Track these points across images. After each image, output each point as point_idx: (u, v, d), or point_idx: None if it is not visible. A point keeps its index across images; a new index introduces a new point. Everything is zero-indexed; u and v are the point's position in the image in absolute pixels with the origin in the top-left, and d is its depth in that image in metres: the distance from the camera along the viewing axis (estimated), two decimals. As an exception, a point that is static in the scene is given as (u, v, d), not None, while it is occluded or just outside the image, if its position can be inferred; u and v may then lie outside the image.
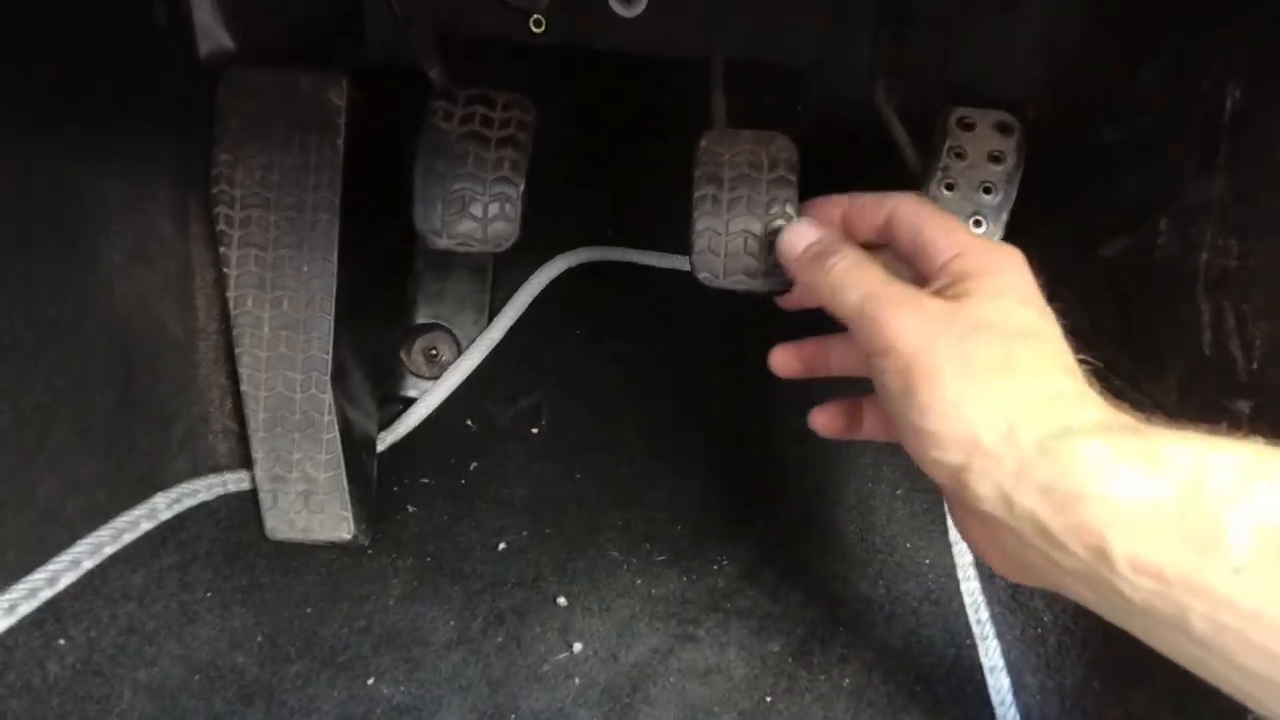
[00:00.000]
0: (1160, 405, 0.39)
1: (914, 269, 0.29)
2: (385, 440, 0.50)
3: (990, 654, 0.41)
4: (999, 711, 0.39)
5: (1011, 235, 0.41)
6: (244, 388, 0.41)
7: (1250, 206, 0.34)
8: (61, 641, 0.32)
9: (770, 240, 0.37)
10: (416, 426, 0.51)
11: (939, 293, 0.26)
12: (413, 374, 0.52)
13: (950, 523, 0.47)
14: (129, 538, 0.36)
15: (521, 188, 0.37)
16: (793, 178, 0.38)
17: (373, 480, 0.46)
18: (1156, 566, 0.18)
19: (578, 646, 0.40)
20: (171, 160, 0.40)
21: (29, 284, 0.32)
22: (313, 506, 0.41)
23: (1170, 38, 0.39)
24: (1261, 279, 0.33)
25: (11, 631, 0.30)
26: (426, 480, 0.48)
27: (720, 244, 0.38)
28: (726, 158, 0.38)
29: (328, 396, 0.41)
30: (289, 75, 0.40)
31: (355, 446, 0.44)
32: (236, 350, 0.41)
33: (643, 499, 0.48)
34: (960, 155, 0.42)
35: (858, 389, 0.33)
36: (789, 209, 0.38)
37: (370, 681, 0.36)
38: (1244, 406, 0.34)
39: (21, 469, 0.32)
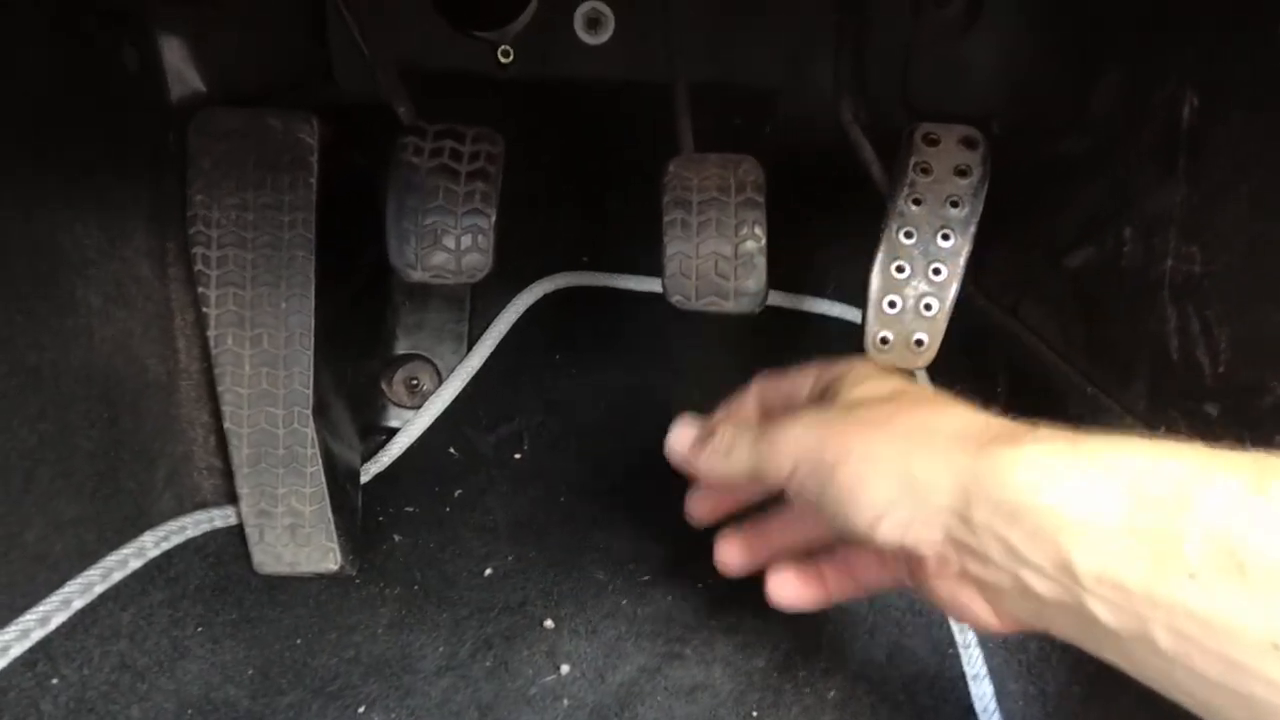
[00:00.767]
0: (1130, 411, 0.41)
1: None
2: (369, 471, 0.52)
3: (973, 662, 0.43)
4: (982, 719, 0.40)
5: (980, 249, 0.43)
6: (227, 425, 0.43)
7: (1210, 214, 0.36)
8: (54, 680, 0.34)
9: (740, 262, 0.40)
10: (400, 456, 0.53)
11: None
12: (394, 404, 0.55)
13: None
14: (118, 576, 0.38)
15: (493, 218, 0.39)
16: (760, 199, 0.40)
17: (358, 511, 0.48)
18: (1111, 575, 0.19)
19: (565, 668, 0.42)
20: (146, 204, 0.42)
21: (10, 331, 0.35)
22: (299, 539, 0.43)
23: (1121, 54, 0.42)
24: (1224, 284, 0.35)
25: (4, 673, 0.32)
26: (411, 509, 0.50)
27: (691, 267, 0.40)
28: (695, 182, 0.41)
29: (310, 430, 0.43)
30: (259, 115, 0.42)
31: (339, 478, 0.46)
32: (218, 388, 0.43)
33: (626, 521, 0.50)
34: (926, 170, 0.44)
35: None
36: (757, 230, 0.40)
37: (361, 710, 0.38)
38: (1212, 409, 0.36)
39: (9, 513, 0.34)
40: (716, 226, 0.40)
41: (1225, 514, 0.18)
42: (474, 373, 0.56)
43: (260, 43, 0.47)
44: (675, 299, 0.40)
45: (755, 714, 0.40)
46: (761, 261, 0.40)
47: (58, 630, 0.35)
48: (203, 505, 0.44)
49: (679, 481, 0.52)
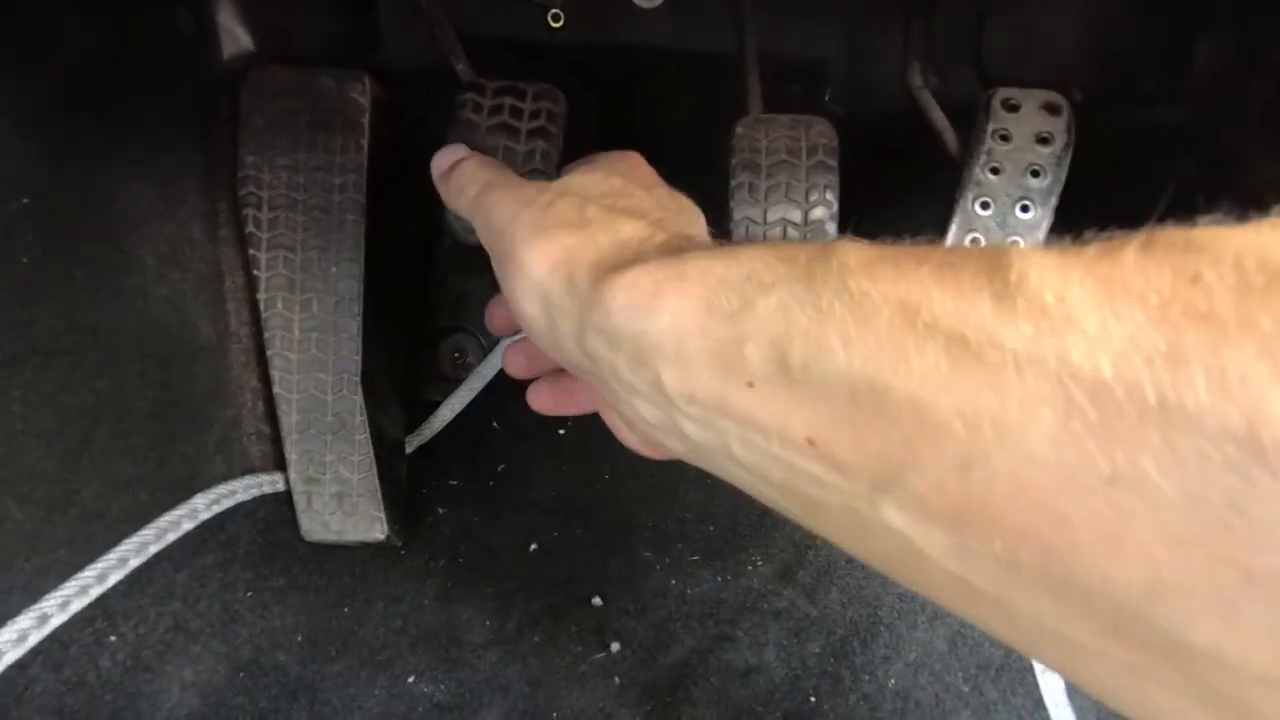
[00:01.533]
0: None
1: None
2: (412, 443, 0.52)
3: (1040, 655, 0.42)
4: (1053, 713, 0.39)
5: (1057, 224, 0.41)
6: (276, 390, 0.43)
7: None
8: (112, 638, 0.34)
9: (810, 229, 0.38)
10: (443, 429, 0.52)
11: None
12: (439, 377, 0.54)
13: None
14: (171, 537, 0.38)
15: (554, 180, 0.38)
16: (833, 163, 0.39)
17: (403, 482, 0.48)
18: (690, 390, 0.18)
19: (615, 646, 0.41)
20: (199, 164, 0.42)
21: (69, 287, 0.35)
22: (346, 508, 0.43)
23: (1230, 11, 0.39)
24: None
25: (65, 627, 0.33)
26: (455, 482, 0.50)
27: (759, 233, 0.39)
28: (764, 144, 0.39)
29: (359, 398, 0.43)
30: (312, 75, 0.42)
31: (386, 449, 0.46)
32: (268, 353, 0.43)
33: (673, 499, 0.49)
34: (1005, 138, 0.42)
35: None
36: (829, 195, 0.39)
37: (411, 680, 0.38)
38: None
39: (68, 471, 0.34)
40: (786, 191, 0.38)
41: (777, 316, 0.17)
42: None
43: (312, 5, 0.47)
44: None
45: (813, 700, 0.39)
46: (833, 228, 0.39)
47: (114, 589, 0.35)
48: (251, 470, 0.44)
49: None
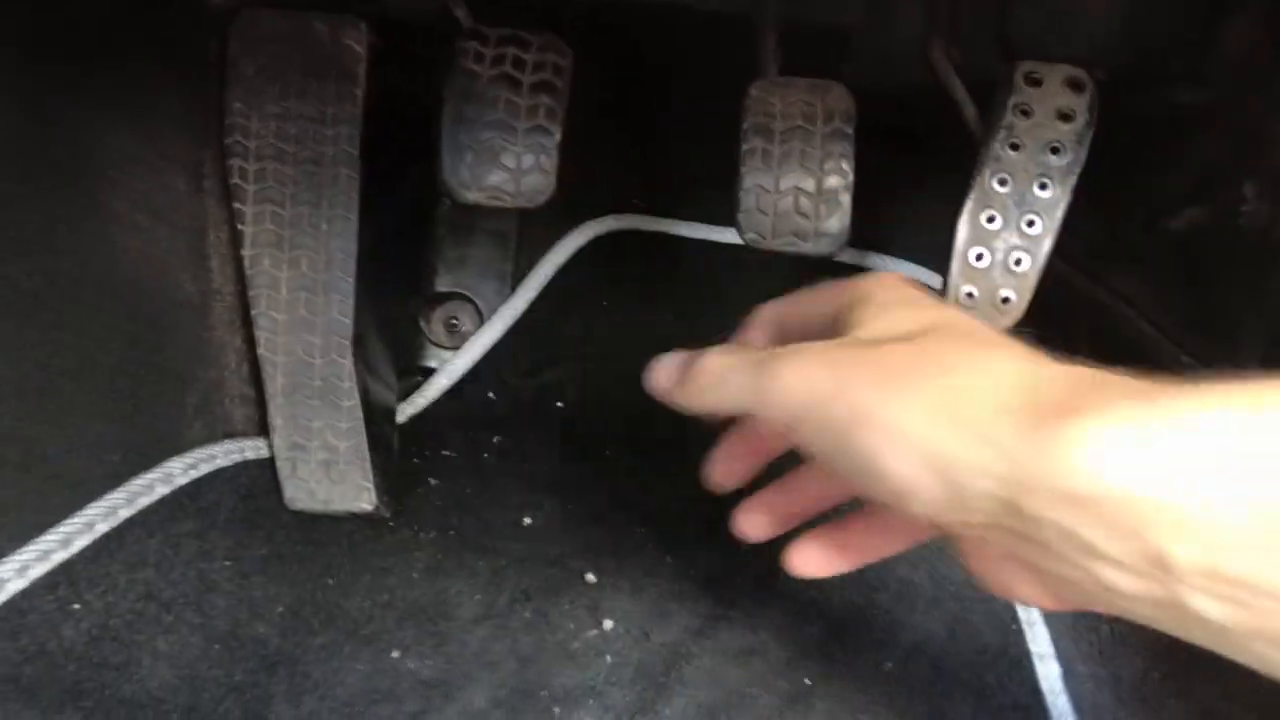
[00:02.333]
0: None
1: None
2: (405, 412, 0.49)
3: (1039, 641, 0.40)
4: (1049, 700, 0.38)
5: (1074, 207, 0.39)
6: (261, 352, 0.40)
7: None
8: (76, 606, 0.32)
9: (824, 199, 0.36)
10: (437, 398, 0.50)
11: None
12: (433, 344, 0.52)
13: None
14: (144, 501, 0.35)
15: (557, 137, 0.36)
16: (850, 130, 0.37)
17: (394, 451, 0.46)
18: (1214, 565, 0.15)
19: (608, 624, 0.39)
20: (183, 111, 0.39)
21: (25, 232, 0.31)
22: (334, 476, 0.41)
23: (1260, -14, 0.37)
24: None
25: (25, 594, 0.30)
26: (448, 454, 0.48)
27: (770, 202, 0.36)
28: (779, 108, 0.37)
29: (348, 362, 0.40)
30: (305, 20, 0.39)
31: (376, 416, 0.43)
32: (253, 313, 0.40)
33: (672, 476, 0.47)
34: (1026, 113, 0.40)
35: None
36: (844, 165, 0.37)
37: (395, 655, 0.36)
38: None
39: (23, 424, 0.31)
40: (800, 159, 0.36)
41: None
42: (518, 315, 0.52)
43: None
44: (749, 237, 0.37)
45: (809, 681, 0.38)
46: (847, 200, 0.36)
47: (81, 554, 0.32)
48: (234, 435, 0.42)
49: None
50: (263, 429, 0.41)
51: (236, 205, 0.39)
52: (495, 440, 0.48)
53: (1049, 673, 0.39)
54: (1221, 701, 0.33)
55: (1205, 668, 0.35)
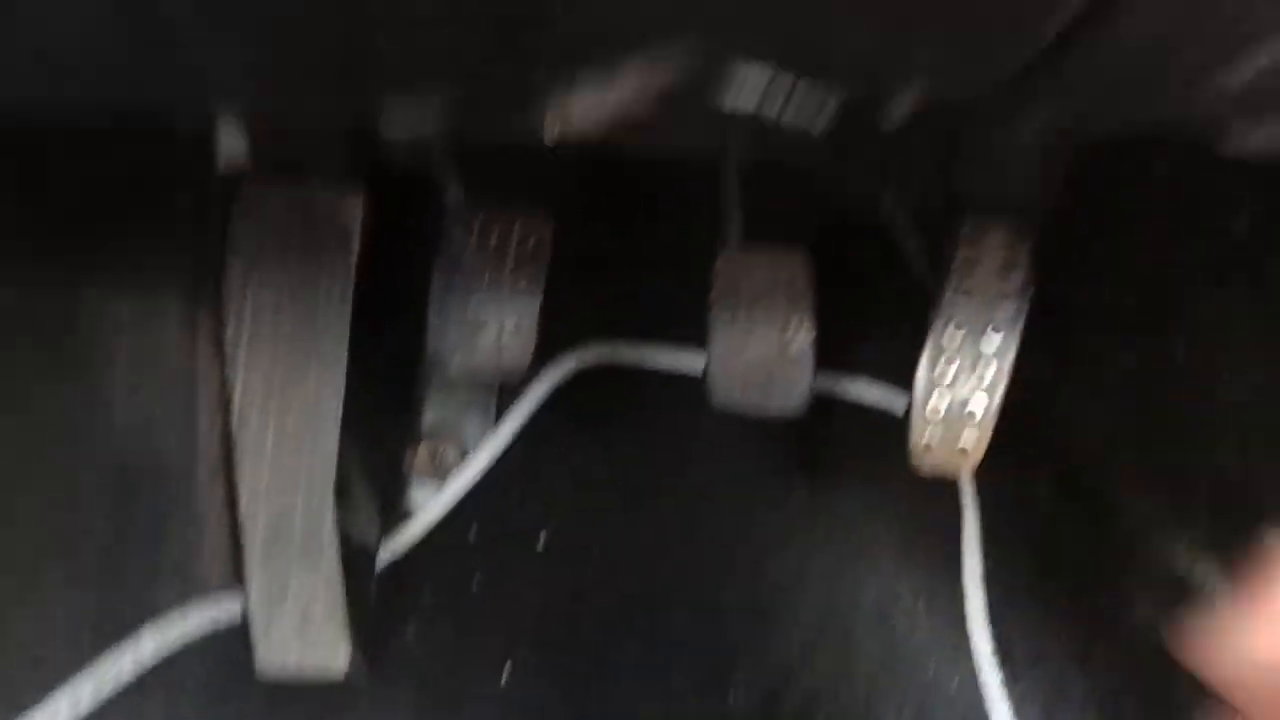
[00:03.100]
0: (1190, 529, 0.40)
1: None
2: (385, 554, 0.50)
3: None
4: None
5: (1024, 340, 0.42)
6: (242, 505, 0.41)
7: (1270, 337, 0.35)
8: None
9: (788, 362, 0.39)
10: (419, 538, 0.50)
11: None
12: (415, 483, 0.53)
13: (976, 641, 0.46)
14: (113, 683, 0.35)
15: (537, 309, 0.39)
16: (810, 297, 0.40)
17: (371, 603, 0.46)
18: None
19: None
20: (184, 272, 0.42)
21: (28, 416, 0.33)
22: (308, 636, 0.41)
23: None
24: None
25: None
26: (428, 596, 0.48)
27: (736, 365, 0.39)
28: (743, 277, 0.40)
29: (329, 515, 0.41)
30: (304, 189, 0.42)
31: (355, 566, 0.43)
32: (237, 467, 0.41)
33: (655, 616, 0.48)
34: (974, 264, 0.44)
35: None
36: (805, 327, 0.40)
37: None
38: None
39: (6, 613, 0.31)
40: (764, 325, 0.39)
41: None
42: (499, 452, 0.54)
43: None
44: (719, 399, 0.39)
45: None
46: (809, 362, 0.39)
47: None
48: (208, 591, 0.42)
49: (711, 575, 0.50)
50: (238, 584, 0.42)
51: (228, 363, 0.41)
52: (475, 581, 0.49)
53: None
54: None
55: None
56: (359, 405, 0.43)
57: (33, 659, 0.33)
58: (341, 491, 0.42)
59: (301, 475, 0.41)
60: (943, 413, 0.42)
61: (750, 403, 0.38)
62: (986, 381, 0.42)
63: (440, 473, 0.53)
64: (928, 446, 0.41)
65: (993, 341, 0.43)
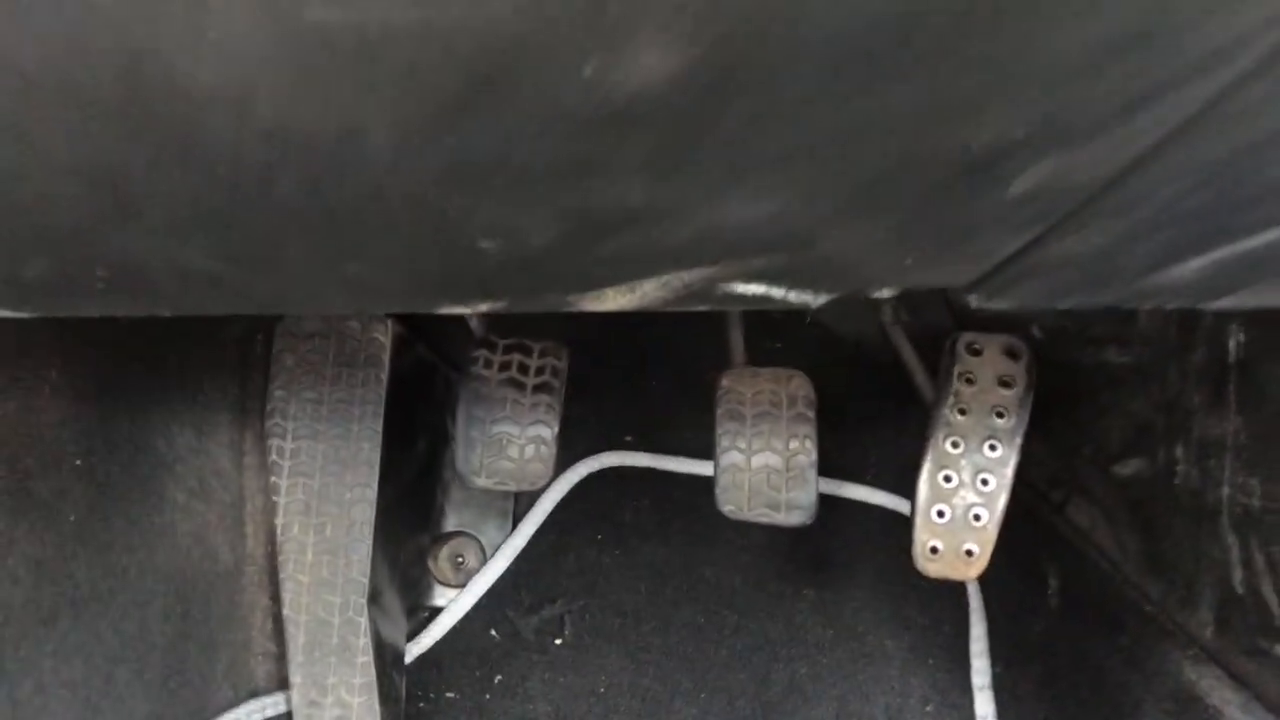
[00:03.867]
0: (1196, 640, 0.41)
1: None
2: (412, 652, 0.53)
3: None
4: None
5: (1025, 440, 0.44)
6: (286, 611, 0.45)
7: (1267, 448, 0.37)
8: None
9: (791, 476, 0.42)
10: (442, 637, 0.54)
11: None
12: (439, 582, 0.56)
13: None
14: None
15: (555, 430, 0.43)
16: (811, 414, 0.43)
17: (402, 700, 0.50)
18: None
19: None
20: (232, 399, 0.47)
21: (109, 535, 0.38)
22: (345, 736, 0.44)
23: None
24: None
25: None
26: (452, 694, 0.51)
27: (744, 479, 0.42)
28: (748, 396, 0.44)
29: (364, 620, 0.45)
30: (339, 318, 0.47)
31: (387, 666, 0.47)
32: (281, 575, 0.46)
33: (668, 714, 0.50)
34: (970, 380, 0.46)
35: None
36: (808, 444, 0.43)
37: None
38: None
39: (85, 717, 0.36)
40: (769, 440, 0.42)
41: None
42: (518, 551, 0.58)
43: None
44: (728, 509, 0.42)
45: None
46: (813, 475, 0.42)
47: None
48: (257, 693, 0.46)
49: (725, 676, 0.52)
50: (282, 683, 0.46)
51: (273, 479, 0.46)
52: (497, 680, 0.52)
53: None
54: None
55: None
56: (389, 513, 0.48)
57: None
58: (374, 598, 0.46)
59: (339, 582, 0.46)
60: (945, 523, 0.44)
61: (756, 512, 0.41)
62: (988, 492, 0.45)
63: (462, 574, 0.56)
64: (932, 555, 0.43)
65: (992, 454, 0.45)
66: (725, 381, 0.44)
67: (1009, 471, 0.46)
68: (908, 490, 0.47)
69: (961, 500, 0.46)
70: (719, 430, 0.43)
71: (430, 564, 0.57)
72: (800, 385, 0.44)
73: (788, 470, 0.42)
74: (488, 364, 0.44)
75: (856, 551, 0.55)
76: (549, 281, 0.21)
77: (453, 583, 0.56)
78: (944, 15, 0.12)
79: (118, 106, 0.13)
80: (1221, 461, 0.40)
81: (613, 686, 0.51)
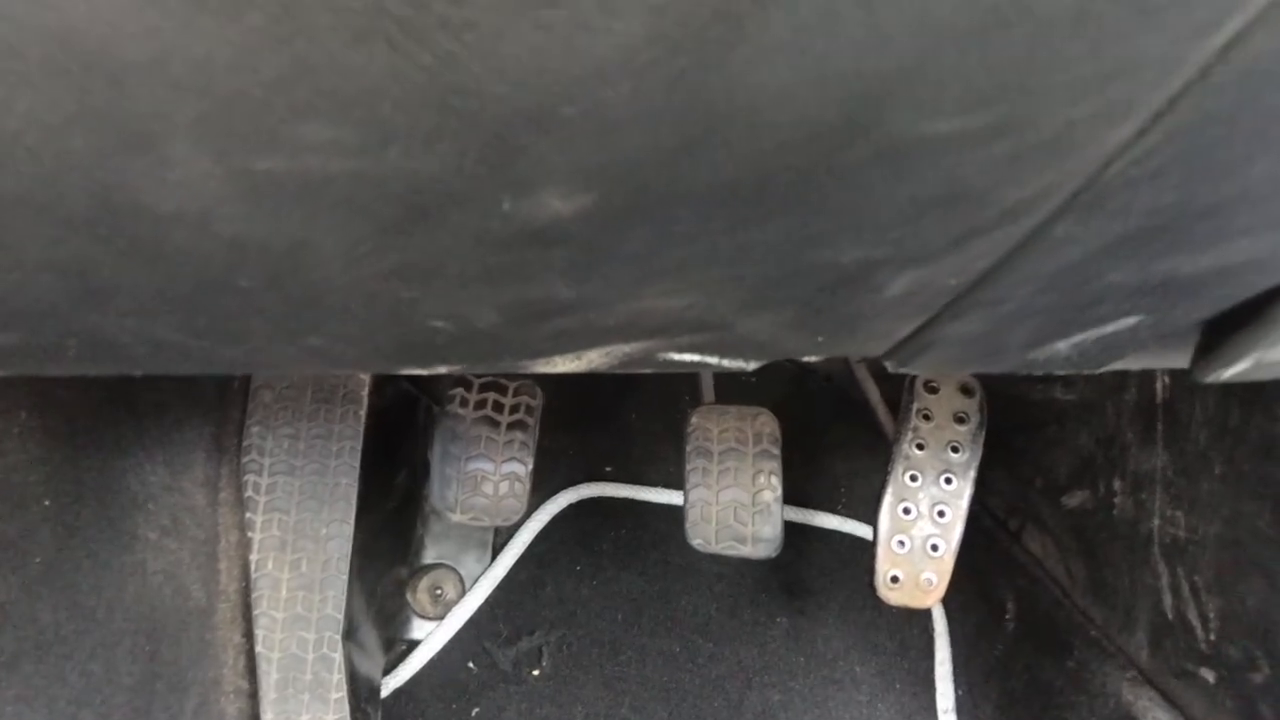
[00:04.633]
0: (1134, 663, 0.44)
1: None
2: (389, 685, 0.54)
3: None
4: None
5: (984, 470, 0.47)
6: (259, 648, 0.46)
7: (1190, 483, 0.41)
8: None
9: (757, 510, 0.45)
10: (419, 670, 0.55)
11: None
12: (418, 615, 0.58)
13: None
14: None
15: (530, 467, 0.45)
16: (776, 451, 0.46)
17: None
18: None
19: None
20: (208, 436, 0.48)
21: (76, 575, 0.39)
22: (318, 777, 0.45)
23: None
24: (1208, 553, 0.39)
25: None
26: (428, 729, 0.52)
27: (711, 513, 0.45)
28: (715, 433, 0.46)
29: (338, 655, 0.47)
30: None
31: (361, 702, 0.48)
32: (254, 611, 0.47)
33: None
34: (928, 416, 0.50)
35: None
36: (773, 480, 0.46)
37: None
38: (1209, 675, 0.39)
39: None
40: (735, 476, 0.45)
41: None
42: (497, 582, 0.59)
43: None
44: (696, 542, 0.45)
45: None
46: (778, 510, 0.45)
47: None
48: (226, 733, 0.47)
49: (698, 703, 0.54)
50: (254, 722, 0.47)
51: (248, 515, 0.47)
52: (474, 713, 0.53)
53: None
54: None
55: None
56: (367, 546, 0.49)
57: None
58: (349, 633, 0.47)
59: (313, 618, 0.47)
60: (905, 553, 0.48)
61: (723, 545, 0.44)
62: (944, 523, 0.48)
63: (441, 606, 0.58)
64: (893, 584, 0.47)
65: (948, 487, 0.49)
66: (694, 419, 0.47)
67: (964, 504, 0.49)
68: (870, 521, 0.50)
69: (920, 531, 0.49)
70: (687, 466, 0.46)
71: (409, 596, 0.58)
72: (766, 423, 0.47)
73: (754, 505, 0.45)
74: (463, 402, 0.46)
75: (828, 579, 0.57)
76: (500, 352, 0.24)
77: (431, 615, 0.57)
78: (789, 174, 0.14)
79: (87, 221, 0.15)
80: (1153, 494, 0.44)
81: (589, 717, 0.53)
